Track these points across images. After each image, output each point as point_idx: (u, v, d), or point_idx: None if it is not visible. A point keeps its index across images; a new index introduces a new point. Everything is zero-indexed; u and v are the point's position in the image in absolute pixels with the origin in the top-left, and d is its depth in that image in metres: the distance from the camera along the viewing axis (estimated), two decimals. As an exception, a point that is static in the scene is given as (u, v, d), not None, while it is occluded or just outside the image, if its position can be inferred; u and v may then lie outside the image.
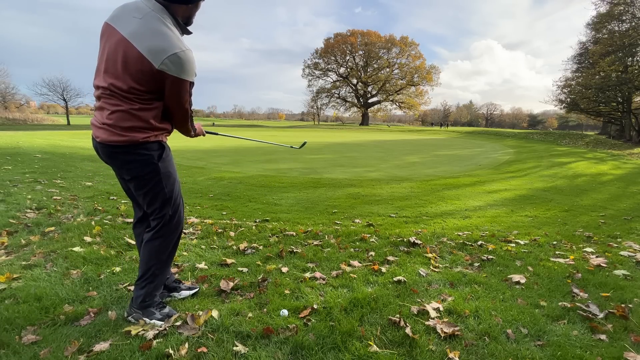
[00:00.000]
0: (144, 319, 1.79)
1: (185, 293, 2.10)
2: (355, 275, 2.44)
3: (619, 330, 1.84)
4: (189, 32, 1.72)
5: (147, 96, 1.58)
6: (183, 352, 1.57)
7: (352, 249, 3.03)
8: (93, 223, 3.37)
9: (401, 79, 65.47)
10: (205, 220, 3.77)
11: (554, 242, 3.49)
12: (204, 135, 2.09)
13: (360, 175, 8.59)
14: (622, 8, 22.56)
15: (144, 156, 1.66)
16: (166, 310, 1.87)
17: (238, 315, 1.89)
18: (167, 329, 1.73)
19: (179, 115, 1.70)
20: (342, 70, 67.99)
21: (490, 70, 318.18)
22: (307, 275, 2.44)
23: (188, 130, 1.83)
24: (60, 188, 5.07)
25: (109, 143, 1.62)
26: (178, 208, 1.84)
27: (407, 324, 1.81)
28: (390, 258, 2.82)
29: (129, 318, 1.81)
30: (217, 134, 2.51)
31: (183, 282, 2.20)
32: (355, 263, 2.70)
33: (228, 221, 3.84)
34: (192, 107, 1.78)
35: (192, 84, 1.62)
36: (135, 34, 1.49)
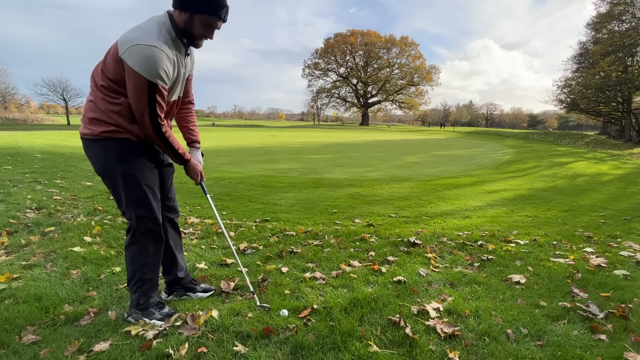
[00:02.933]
0: (144, 319, 1.79)
1: (200, 295, 2.08)
2: (355, 275, 2.44)
3: (619, 330, 1.84)
4: (185, 44, 1.64)
5: (113, 88, 1.56)
6: (183, 352, 1.57)
7: (352, 249, 3.03)
8: (93, 223, 3.37)
9: (401, 79, 65.50)
10: (205, 220, 3.77)
11: (554, 242, 3.49)
12: (197, 177, 1.88)
13: (360, 175, 8.59)
14: (622, 8, 22.54)
15: (103, 152, 1.64)
16: (166, 310, 1.87)
17: (238, 315, 1.89)
18: (167, 329, 1.73)
19: (138, 117, 1.57)
20: (342, 70, 68.09)
21: (488, 70, 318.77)
22: (307, 275, 2.43)
23: (162, 147, 1.66)
24: (60, 188, 5.07)
25: (81, 136, 1.68)
26: (147, 215, 1.72)
27: (407, 324, 1.81)
28: (390, 258, 2.82)
29: (129, 318, 1.80)
30: (205, 193, 2.02)
31: (199, 282, 2.17)
32: (355, 263, 2.70)
33: (228, 221, 3.84)
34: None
35: (154, 86, 1.50)
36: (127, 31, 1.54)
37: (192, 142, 1.99)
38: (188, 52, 1.72)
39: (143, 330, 1.71)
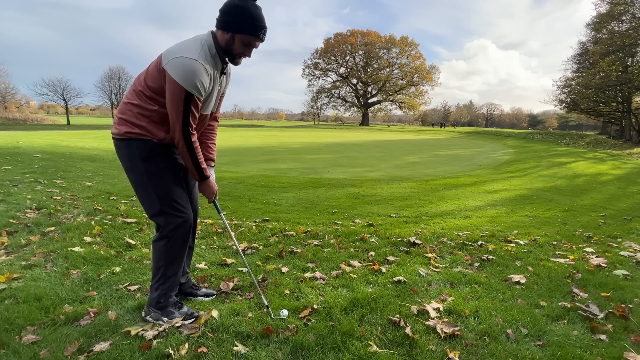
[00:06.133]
0: (164, 318, 1.79)
1: (202, 299, 2.07)
2: (355, 275, 2.44)
3: (619, 330, 1.84)
4: (225, 61, 1.73)
5: (151, 95, 1.64)
6: (183, 352, 1.57)
7: (352, 249, 3.03)
8: (93, 223, 3.37)
9: (401, 79, 65.47)
10: (205, 220, 3.77)
11: (554, 242, 3.49)
12: (211, 196, 1.87)
13: (360, 175, 8.59)
14: (622, 8, 22.54)
15: (126, 152, 1.71)
16: (185, 309, 1.87)
17: (238, 315, 1.89)
18: (166, 329, 1.73)
19: (171, 124, 1.63)
20: (342, 70, 68.06)
21: (486, 70, 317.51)
22: (307, 275, 2.44)
23: (186, 157, 1.69)
24: (60, 188, 5.07)
25: (112, 136, 1.75)
26: (173, 212, 1.74)
27: (407, 324, 1.82)
28: (390, 258, 2.82)
29: (147, 318, 1.80)
30: (219, 212, 1.98)
31: (200, 287, 2.16)
32: (355, 263, 2.70)
33: (228, 221, 3.84)
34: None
35: (190, 96, 1.57)
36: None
37: (207, 160, 1.97)
38: (225, 70, 1.78)
39: (143, 330, 1.71)
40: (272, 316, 1.87)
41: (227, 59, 1.73)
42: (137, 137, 1.67)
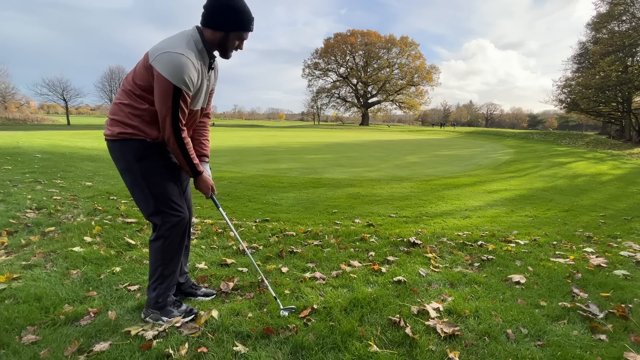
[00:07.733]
0: (163, 318, 1.79)
1: (202, 299, 2.07)
2: (355, 275, 2.44)
3: (619, 330, 1.84)
4: (213, 56, 1.74)
5: (140, 93, 1.63)
6: (183, 352, 1.57)
7: (352, 249, 3.03)
8: (93, 223, 3.37)
9: (401, 79, 65.46)
10: (205, 220, 3.77)
11: (554, 242, 3.49)
12: (208, 191, 1.88)
13: (360, 175, 8.59)
14: (622, 8, 22.54)
15: (120, 153, 1.71)
16: (183, 307, 1.87)
17: (238, 315, 1.89)
18: (166, 329, 1.73)
19: (161, 120, 1.62)
20: (342, 70, 68.06)
21: (484, 70, 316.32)
22: (307, 275, 2.44)
23: (177, 154, 1.69)
24: (60, 188, 5.07)
25: (104, 137, 1.74)
26: (169, 211, 1.74)
27: (407, 324, 1.81)
28: (390, 258, 2.82)
29: (147, 319, 1.80)
30: (217, 206, 2.00)
31: (200, 286, 2.16)
32: (355, 263, 2.70)
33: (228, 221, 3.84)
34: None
35: (179, 91, 1.56)
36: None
37: (201, 156, 1.98)
38: (212, 65, 1.79)
39: (143, 330, 1.71)
40: (282, 306, 1.92)
41: (215, 54, 1.75)
42: (131, 137, 1.67)
